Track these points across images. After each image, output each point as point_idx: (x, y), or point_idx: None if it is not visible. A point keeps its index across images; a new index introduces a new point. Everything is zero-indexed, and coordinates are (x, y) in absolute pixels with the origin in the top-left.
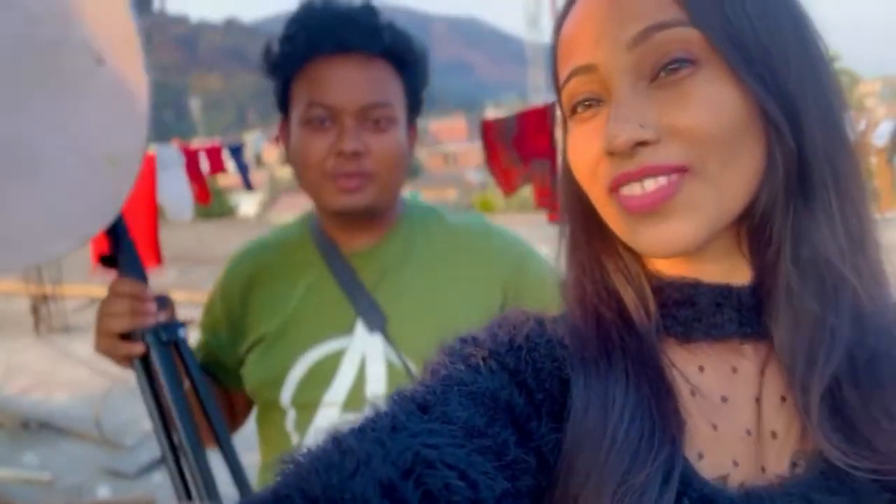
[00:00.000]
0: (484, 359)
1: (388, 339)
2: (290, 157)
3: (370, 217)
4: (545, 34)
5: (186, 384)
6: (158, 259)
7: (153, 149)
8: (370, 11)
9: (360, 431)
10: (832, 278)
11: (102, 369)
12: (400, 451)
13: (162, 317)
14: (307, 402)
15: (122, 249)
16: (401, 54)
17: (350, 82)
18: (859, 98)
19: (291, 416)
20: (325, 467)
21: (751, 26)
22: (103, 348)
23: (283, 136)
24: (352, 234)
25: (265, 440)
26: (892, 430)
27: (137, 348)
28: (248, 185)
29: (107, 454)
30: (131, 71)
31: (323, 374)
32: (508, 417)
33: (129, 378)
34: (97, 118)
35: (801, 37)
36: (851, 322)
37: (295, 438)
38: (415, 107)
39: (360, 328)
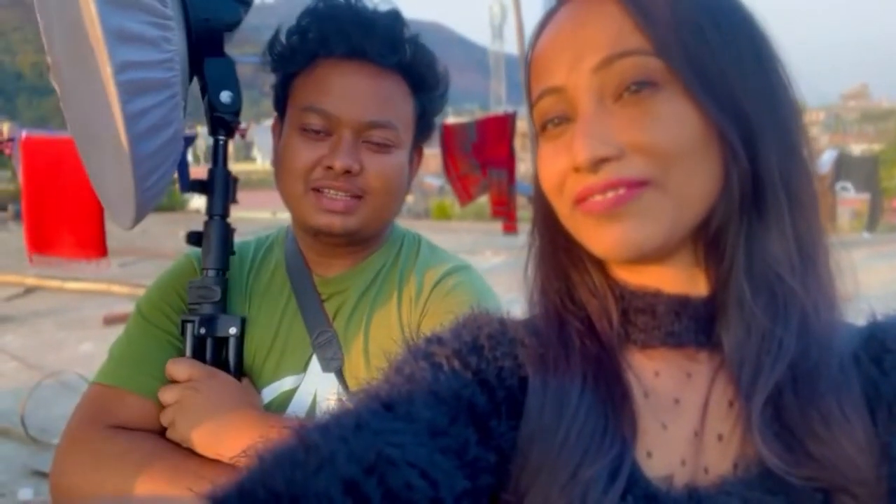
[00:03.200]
0: (447, 358)
1: (343, 378)
2: (275, 160)
3: (351, 243)
4: (509, 45)
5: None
6: (103, 251)
7: None
8: (394, 19)
9: (324, 429)
10: (782, 293)
11: (33, 363)
12: (363, 450)
13: (207, 308)
14: None
15: (210, 226)
16: (419, 73)
17: (355, 93)
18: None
19: None
20: (290, 464)
21: (710, 53)
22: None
23: (276, 134)
24: (326, 259)
25: None
26: (827, 438)
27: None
28: (183, 187)
29: (31, 453)
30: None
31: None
32: (470, 417)
33: (60, 373)
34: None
35: (760, 62)
36: (798, 335)
37: None
38: (424, 131)
39: (313, 366)
